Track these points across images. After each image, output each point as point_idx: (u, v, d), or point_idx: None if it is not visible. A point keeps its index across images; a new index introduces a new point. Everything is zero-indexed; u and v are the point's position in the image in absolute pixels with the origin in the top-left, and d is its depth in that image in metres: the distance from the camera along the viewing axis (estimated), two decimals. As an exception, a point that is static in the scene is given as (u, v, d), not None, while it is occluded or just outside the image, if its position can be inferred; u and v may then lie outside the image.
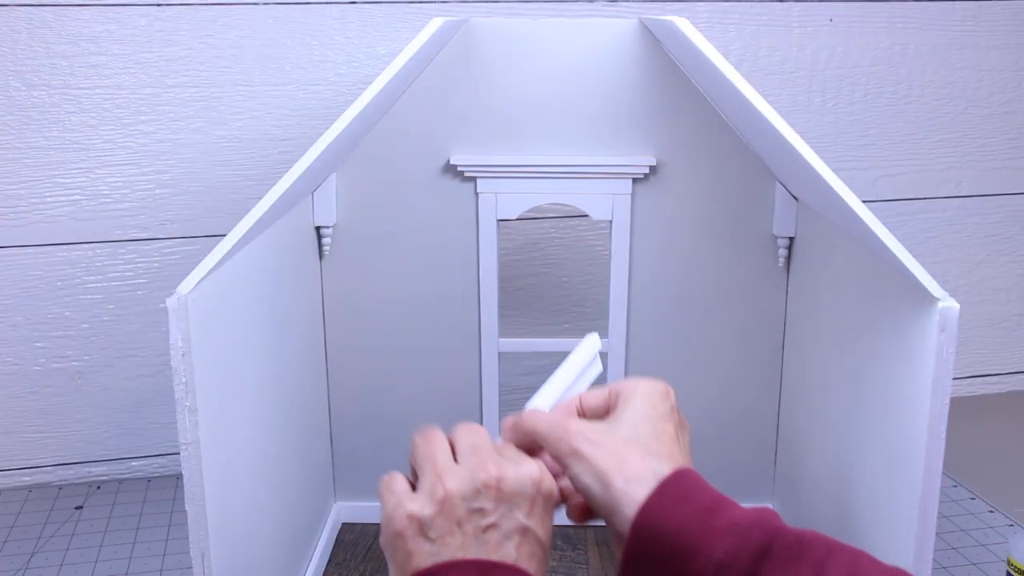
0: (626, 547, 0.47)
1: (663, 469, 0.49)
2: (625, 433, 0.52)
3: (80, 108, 0.94)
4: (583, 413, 0.58)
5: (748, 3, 1.05)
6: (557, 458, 0.53)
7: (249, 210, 0.62)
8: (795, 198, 0.82)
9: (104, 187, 0.96)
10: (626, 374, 0.87)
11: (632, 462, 0.50)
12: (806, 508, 0.80)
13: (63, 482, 1.02)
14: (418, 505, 0.49)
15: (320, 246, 0.84)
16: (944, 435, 0.55)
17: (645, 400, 0.54)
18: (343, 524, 0.91)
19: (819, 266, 0.77)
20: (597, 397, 0.58)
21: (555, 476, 0.53)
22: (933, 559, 0.57)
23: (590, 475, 0.50)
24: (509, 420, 0.57)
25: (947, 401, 0.54)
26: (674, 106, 0.82)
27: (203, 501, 0.56)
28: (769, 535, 0.46)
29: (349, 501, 0.91)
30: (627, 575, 0.48)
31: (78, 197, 0.96)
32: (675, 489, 0.48)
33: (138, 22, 0.93)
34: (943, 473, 0.56)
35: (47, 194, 0.95)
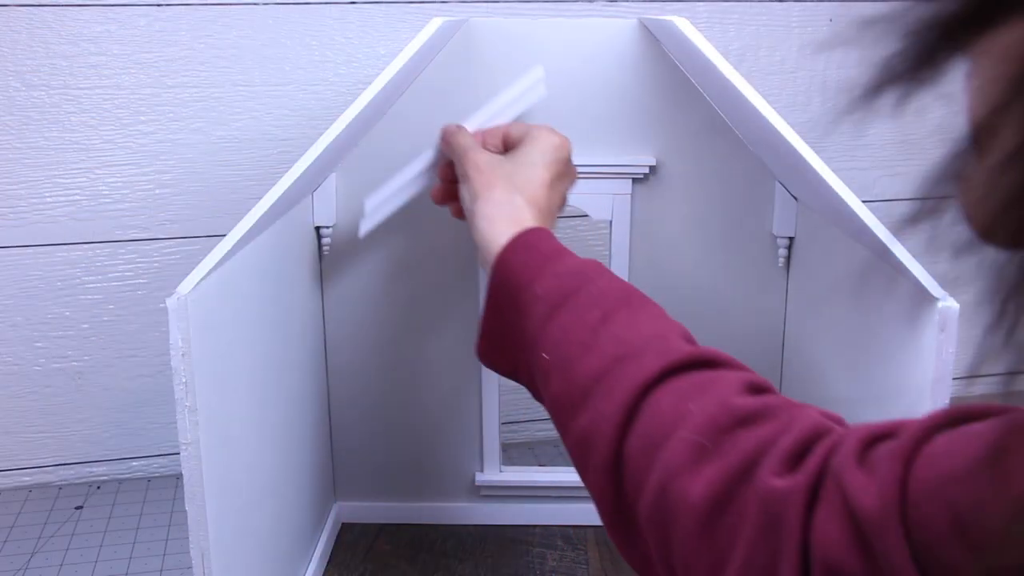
0: (488, 284, 0.62)
1: (519, 202, 0.64)
2: (507, 169, 0.66)
3: (80, 108, 0.94)
4: (504, 141, 0.72)
5: (748, 3, 1.05)
6: (457, 173, 0.69)
7: (249, 210, 0.62)
8: (795, 198, 0.82)
9: (104, 187, 0.96)
10: (626, 374, 0.87)
11: (497, 192, 0.64)
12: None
13: (63, 482, 1.02)
14: None
15: (320, 246, 0.84)
16: (944, 435, 0.55)
17: (536, 147, 0.68)
18: (343, 524, 0.91)
19: (819, 266, 0.77)
20: (514, 131, 0.71)
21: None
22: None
23: (467, 193, 0.67)
24: (449, 128, 0.72)
25: (947, 401, 0.55)
26: (674, 106, 0.82)
27: (203, 501, 0.56)
28: (581, 283, 0.56)
29: (349, 501, 0.91)
30: (489, 305, 0.61)
31: (78, 197, 0.96)
32: (526, 240, 0.61)
33: (138, 22, 0.93)
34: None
35: (47, 194, 0.95)
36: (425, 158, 0.74)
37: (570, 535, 0.89)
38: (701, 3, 1.04)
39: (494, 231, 0.63)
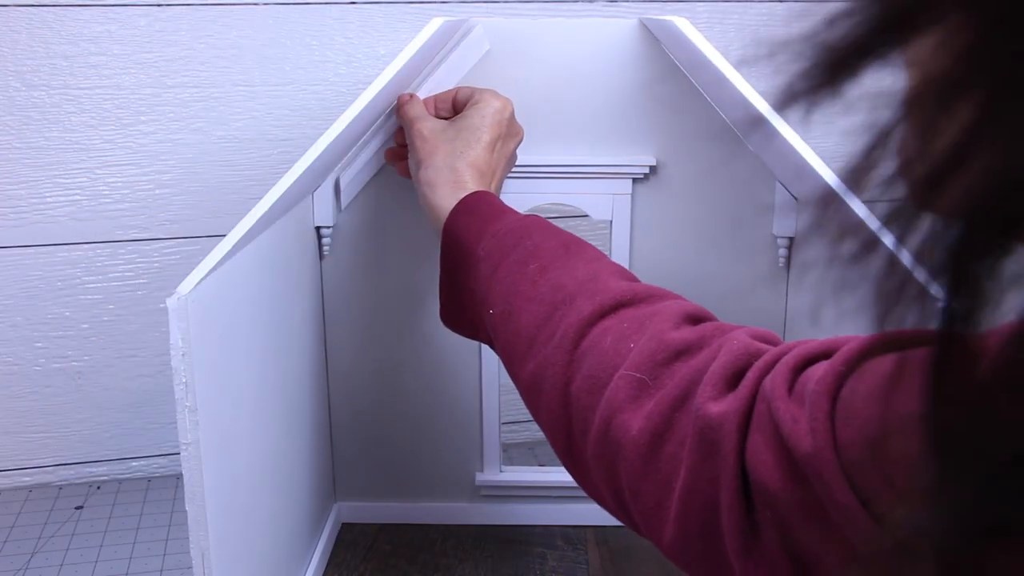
0: (440, 250, 0.67)
1: (460, 167, 0.68)
2: (449, 135, 0.71)
3: (80, 108, 0.94)
4: (454, 105, 0.75)
5: (748, 3, 1.05)
6: (406, 142, 0.74)
7: (249, 210, 0.62)
8: (795, 198, 0.82)
9: (104, 187, 0.96)
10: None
11: (438, 158, 0.69)
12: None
13: (63, 482, 1.02)
14: None
15: (320, 246, 0.84)
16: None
17: (477, 110, 0.71)
18: (343, 524, 0.91)
19: (819, 266, 0.77)
20: (461, 95, 0.75)
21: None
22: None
23: (413, 161, 0.72)
24: (403, 97, 0.76)
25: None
26: (674, 106, 0.82)
27: (203, 501, 0.56)
28: (519, 238, 0.59)
29: (349, 501, 0.91)
30: (443, 269, 0.67)
31: (78, 197, 0.96)
32: (466, 204, 0.65)
33: (138, 22, 0.93)
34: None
35: (47, 194, 0.95)
36: (390, 128, 0.79)
37: (570, 535, 0.89)
38: (701, 3, 1.04)
39: (437, 197, 0.67)
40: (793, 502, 0.38)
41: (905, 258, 0.24)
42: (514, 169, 0.83)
